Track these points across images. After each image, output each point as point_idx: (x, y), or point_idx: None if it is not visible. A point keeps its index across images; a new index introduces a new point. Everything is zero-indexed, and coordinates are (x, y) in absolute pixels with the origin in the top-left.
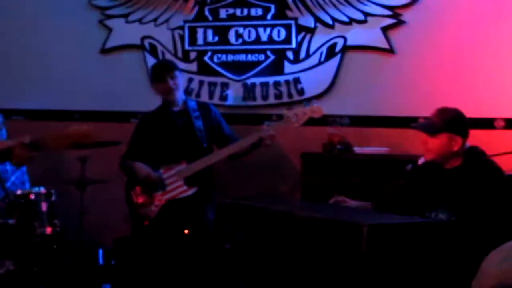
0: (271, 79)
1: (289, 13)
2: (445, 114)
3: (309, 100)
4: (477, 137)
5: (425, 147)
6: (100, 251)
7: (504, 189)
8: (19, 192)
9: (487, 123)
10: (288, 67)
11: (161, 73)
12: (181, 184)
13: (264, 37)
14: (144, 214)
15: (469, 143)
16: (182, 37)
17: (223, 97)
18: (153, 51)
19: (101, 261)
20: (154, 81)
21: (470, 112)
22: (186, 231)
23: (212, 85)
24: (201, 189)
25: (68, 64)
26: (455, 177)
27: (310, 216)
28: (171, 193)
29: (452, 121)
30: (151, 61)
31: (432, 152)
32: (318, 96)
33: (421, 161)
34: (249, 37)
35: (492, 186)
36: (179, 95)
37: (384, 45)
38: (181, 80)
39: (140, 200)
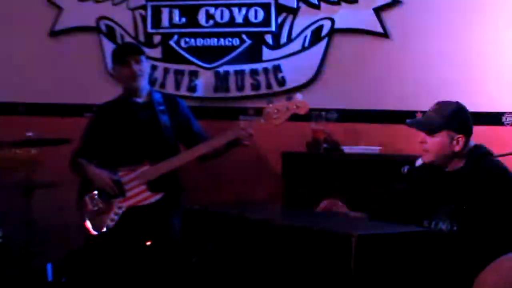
0: (247, 67)
1: None
2: (444, 109)
3: (291, 92)
4: (483, 134)
5: (422, 148)
6: (49, 266)
7: None
8: None
9: (494, 119)
10: (266, 53)
11: (125, 56)
12: (143, 189)
13: (239, 19)
14: (100, 224)
15: (474, 141)
16: (144, 18)
17: (192, 88)
18: (110, 34)
19: (50, 277)
20: (116, 64)
21: (475, 105)
22: (148, 243)
23: (179, 73)
24: (167, 194)
25: (12, 49)
26: (457, 181)
27: (290, 225)
28: (132, 200)
29: (452, 117)
30: (108, 46)
31: (430, 153)
32: (302, 87)
33: (418, 162)
34: (221, 18)
35: (498, 191)
36: (144, 84)
37: (377, 28)
38: (147, 67)
39: (96, 207)
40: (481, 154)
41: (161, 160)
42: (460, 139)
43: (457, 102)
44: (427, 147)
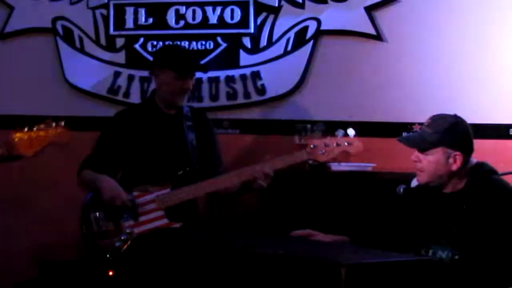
0: (222, 74)
1: None
2: (439, 123)
3: (271, 101)
4: (488, 149)
5: (416, 167)
6: None
7: None
8: None
9: (501, 131)
10: (244, 58)
11: (190, 67)
12: (160, 215)
13: (213, 19)
14: (105, 248)
15: (479, 156)
16: (106, 19)
17: None
18: (68, 36)
19: None
20: (171, 72)
21: (478, 117)
22: (110, 273)
23: (145, 81)
24: (184, 225)
25: None
26: (457, 203)
27: (271, 254)
28: (144, 226)
29: (448, 132)
30: (65, 49)
31: (425, 172)
32: (284, 96)
33: (414, 183)
34: (193, 18)
35: (504, 214)
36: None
37: (369, 29)
38: None
39: (100, 229)
40: (484, 173)
41: (183, 183)
42: (457, 156)
43: (454, 115)
44: (421, 166)
